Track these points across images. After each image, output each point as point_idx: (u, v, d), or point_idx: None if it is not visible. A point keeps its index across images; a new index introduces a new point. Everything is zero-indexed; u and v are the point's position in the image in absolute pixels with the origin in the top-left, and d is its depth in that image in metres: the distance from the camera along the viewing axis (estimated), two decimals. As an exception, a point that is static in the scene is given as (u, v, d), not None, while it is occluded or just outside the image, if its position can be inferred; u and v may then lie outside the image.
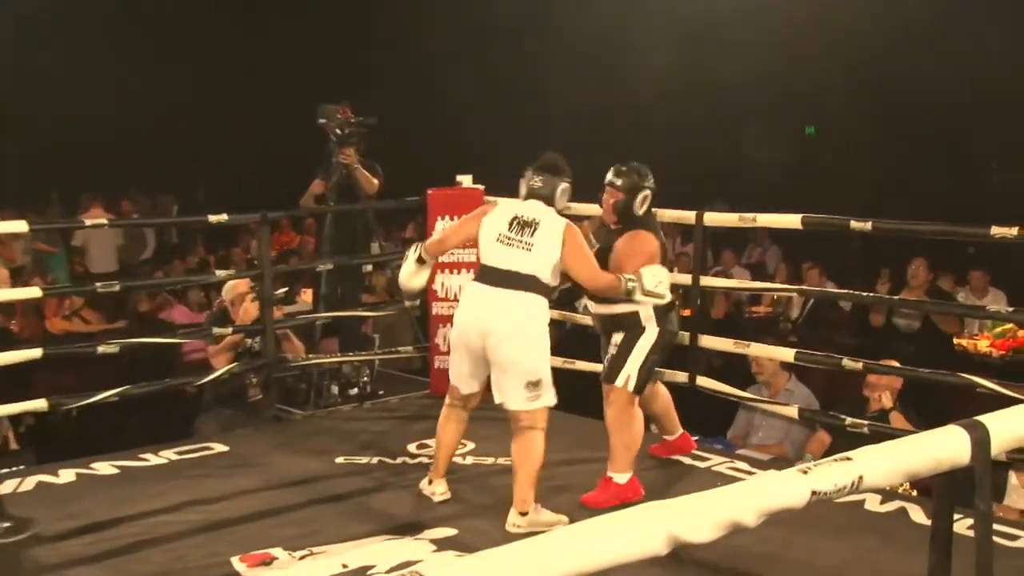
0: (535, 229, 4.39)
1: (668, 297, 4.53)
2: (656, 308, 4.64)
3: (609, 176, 4.72)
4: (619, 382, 4.66)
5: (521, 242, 4.39)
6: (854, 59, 12.59)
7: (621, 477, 4.67)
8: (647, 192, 4.68)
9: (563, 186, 4.49)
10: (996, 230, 4.46)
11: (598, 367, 4.97)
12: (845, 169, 12.90)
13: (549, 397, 4.45)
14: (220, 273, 6.92)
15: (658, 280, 4.46)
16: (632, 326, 4.70)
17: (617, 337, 4.72)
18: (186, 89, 15.26)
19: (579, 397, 5.63)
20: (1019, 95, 11.40)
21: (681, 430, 5.25)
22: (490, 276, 4.44)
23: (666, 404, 5.19)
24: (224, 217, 6.04)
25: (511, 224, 4.43)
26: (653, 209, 4.81)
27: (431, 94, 14.90)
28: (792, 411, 5.41)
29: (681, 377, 5.58)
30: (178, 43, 15.28)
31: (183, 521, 4.51)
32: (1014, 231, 4.40)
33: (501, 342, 4.34)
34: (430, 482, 4.76)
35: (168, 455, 5.41)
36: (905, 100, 12.40)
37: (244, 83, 15.74)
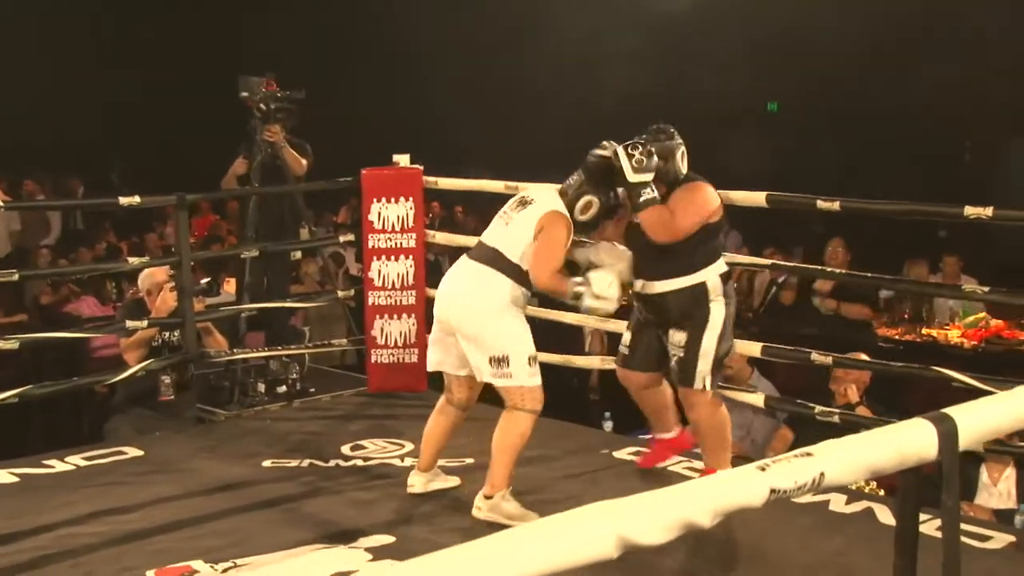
0: (525, 207, 4.51)
1: (614, 305, 4.45)
2: (725, 278, 4.58)
3: (642, 148, 4.50)
4: (697, 384, 4.59)
5: (506, 215, 4.57)
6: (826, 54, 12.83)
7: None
8: (683, 148, 4.61)
9: (574, 179, 4.57)
10: (970, 210, 4.50)
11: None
12: (810, 162, 13.08)
13: (523, 377, 4.41)
14: (133, 261, 6.82)
15: (608, 282, 4.40)
16: (695, 309, 4.56)
17: (678, 336, 4.61)
18: (98, 62, 15.05)
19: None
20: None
21: (679, 427, 5.08)
22: (473, 249, 4.64)
23: (667, 399, 5.02)
24: (136, 200, 5.98)
25: (516, 201, 4.62)
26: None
27: (365, 67, 14.81)
28: (758, 399, 5.45)
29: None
30: (83, 14, 15.07)
31: (92, 533, 4.44)
32: (988, 211, 4.45)
33: (457, 312, 4.47)
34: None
35: (76, 461, 5.34)
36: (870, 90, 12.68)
37: (161, 55, 15.52)
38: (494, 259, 4.46)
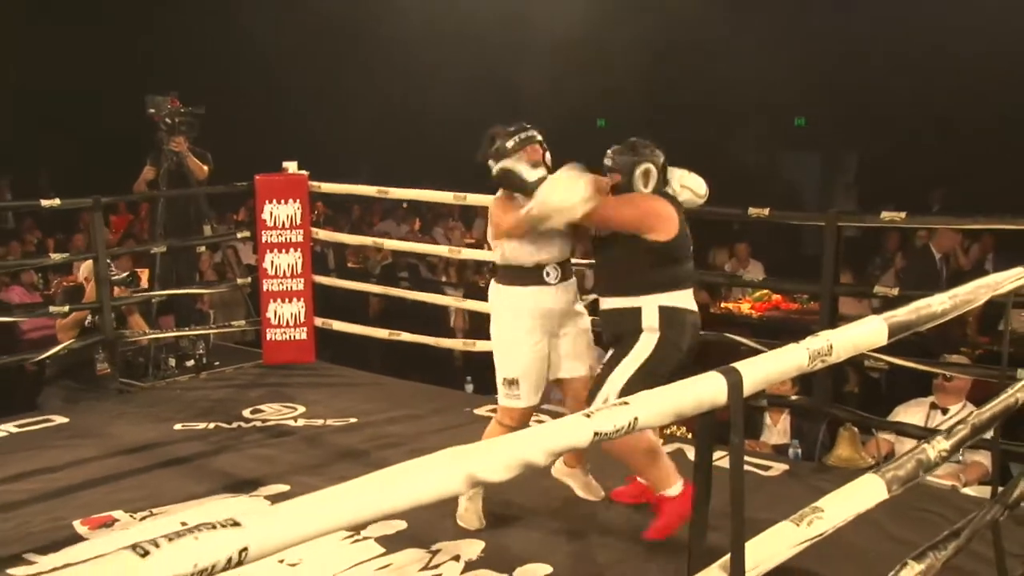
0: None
1: (579, 203, 3.35)
2: (668, 313, 3.54)
3: (605, 161, 3.69)
4: (592, 404, 3.40)
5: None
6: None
7: (673, 490, 3.65)
8: (647, 166, 3.60)
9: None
10: (752, 211, 4.69)
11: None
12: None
13: (501, 396, 3.78)
14: (55, 256, 6.61)
15: (550, 187, 3.40)
16: (629, 330, 3.58)
17: (607, 354, 3.67)
18: (24, 75, 14.35)
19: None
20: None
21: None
22: None
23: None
24: (56, 202, 5.78)
25: None
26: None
27: (259, 84, 14.46)
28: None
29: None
30: (14, 28, 14.32)
31: (24, 490, 4.29)
32: (766, 211, 4.65)
33: None
34: None
35: (8, 428, 5.14)
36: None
37: (79, 70, 14.85)
38: (495, 271, 3.85)
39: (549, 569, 3.47)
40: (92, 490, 4.29)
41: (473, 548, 3.63)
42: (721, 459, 2.04)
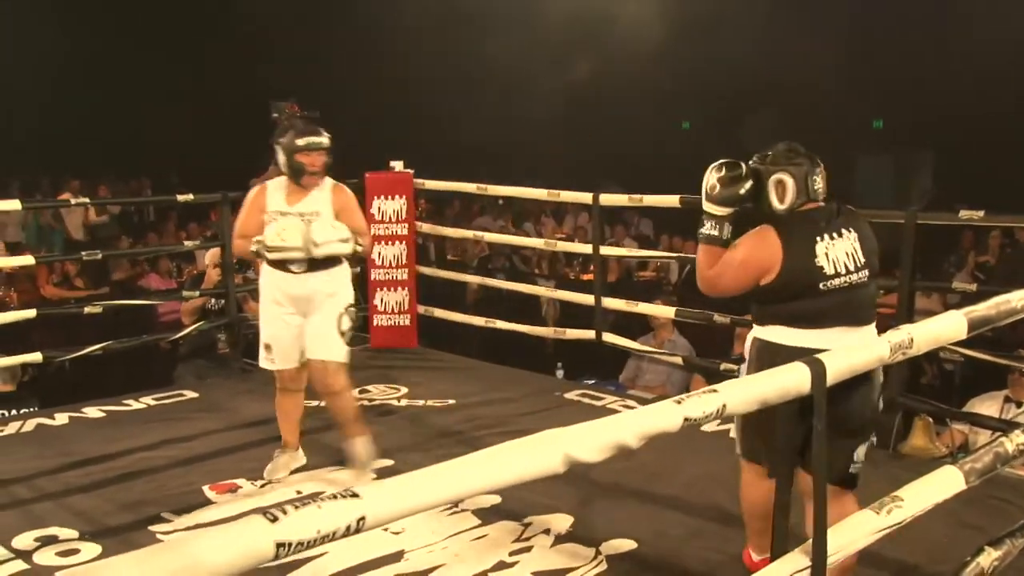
0: None
1: (287, 244, 3.83)
2: (761, 347, 2.83)
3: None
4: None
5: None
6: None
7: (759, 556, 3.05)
8: (780, 176, 2.81)
9: None
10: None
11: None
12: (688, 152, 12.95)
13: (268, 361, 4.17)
14: (187, 243, 6.80)
15: (274, 232, 3.86)
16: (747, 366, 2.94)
17: None
18: (155, 86, 14.83)
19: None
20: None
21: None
22: None
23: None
24: (190, 197, 5.93)
25: None
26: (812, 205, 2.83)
27: (369, 85, 14.61)
28: (678, 359, 5.47)
29: (589, 334, 5.59)
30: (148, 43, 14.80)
31: (161, 456, 4.43)
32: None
33: None
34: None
35: (147, 401, 5.30)
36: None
37: (200, 82, 15.26)
38: None
39: (633, 544, 3.46)
40: (219, 459, 4.41)
41: (563, 523, 3.63)
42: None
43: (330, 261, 3.94)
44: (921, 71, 11.71)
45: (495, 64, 13.44)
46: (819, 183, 2.83)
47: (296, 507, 1.19)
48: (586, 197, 5.58)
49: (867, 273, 2.78)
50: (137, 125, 14.38)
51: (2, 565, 3.36)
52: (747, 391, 1.85)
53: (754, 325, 2.87)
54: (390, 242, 6.30)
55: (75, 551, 3.41)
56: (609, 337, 5.58)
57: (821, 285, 2.71)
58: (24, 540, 3.53)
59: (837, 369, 1.99)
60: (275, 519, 1.17)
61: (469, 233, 7.48)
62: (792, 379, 1.92)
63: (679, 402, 1.69)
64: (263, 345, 4.12)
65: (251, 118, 7.83)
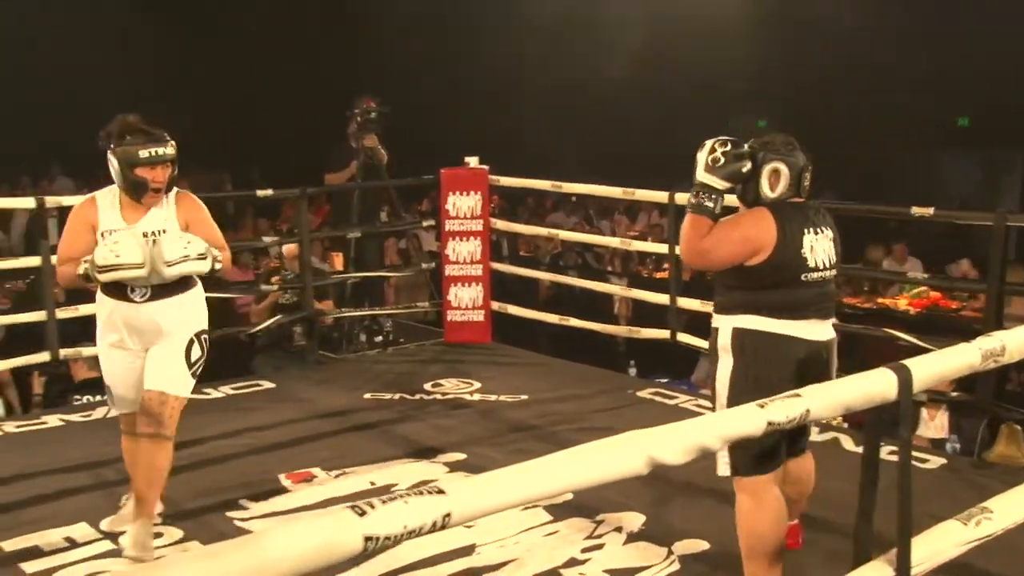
0: None
1: (126, 268, 3.13)
2: (742, 336, 2.83)
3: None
4: (719, 470, 2.92)
5: None
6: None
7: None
8: (775, 165, 2.86)
9: None
10: (916, 210, 4.44)
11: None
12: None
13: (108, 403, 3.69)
14: (266, 239, 6.91)
15: (110, 250, 3.15)
16: (713, 358, 2.96)
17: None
18: (239, 81, 15.09)
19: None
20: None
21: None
22: None
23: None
24: (269, 192, 6.02)
25: None
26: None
27: (443, 84, 14.69)
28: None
29: (663, 334, 5.54)
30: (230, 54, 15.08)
31: (239, 444, 4.53)
32: (930, 211, 4.39)
33: None
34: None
35: (226, 390, 5.42)
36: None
37: (285, 76, 15.46)
38: None
39: (706, 545, 3.42)
40: (294, 448, 4.48)
41: (635, 521, 3.61)
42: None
43: (181, 283, 3.32)
44: (1009, 68, 11.34)
45: (569, 65, 13.44)
46: (807, 180, 2.92)
47: (384, 502, 1.21)
48: (662, 196, 5.53)
49: (835, 272, 2.92)
50: (219, 119, 14.64)
51: (90, 545, 3.47)
52: (830, 397, 1.81)
53: (722, 316, 2.89)
54: (464, 238, 6.33)
55: (157, 534, 3.49)
56: (684, 337, 5.52)
57: (803, 276, 2.80)
58: (111, 522, 3.63)
59: (924, 376, 1.94)
60: (363, 513, 1.19)
61: (543, 230, 7.48)
62: (878, 385, 1.88)
63: (762, 406, 1.66)
64: (106, 386, 3.50)
65: (329, 112, 7.91)
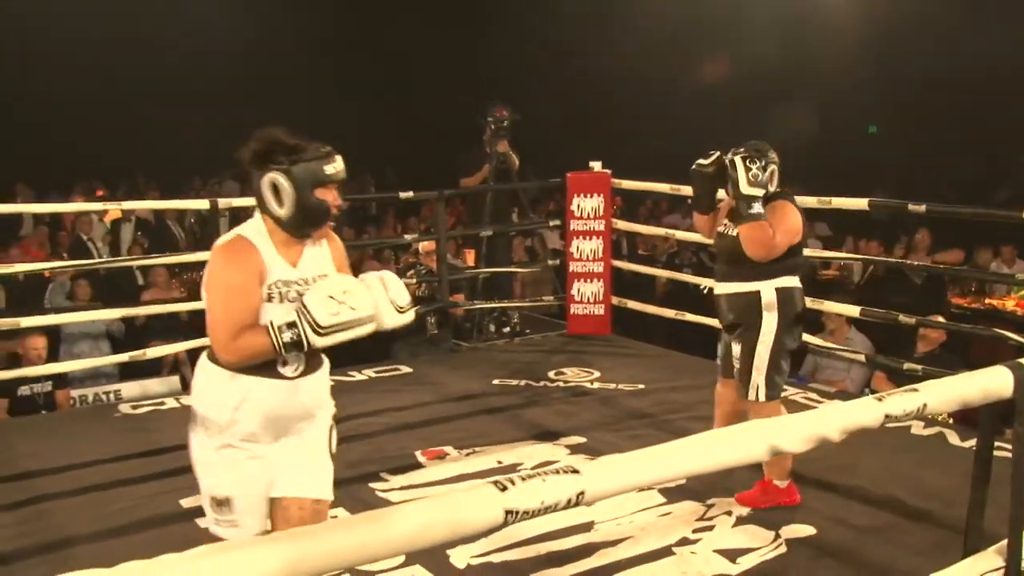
0: None
1: (358, 325, 2.28)
2: (781, 290, 3.45)
3: (753, 167, 3.41)
4: (751, 395, 3.50)
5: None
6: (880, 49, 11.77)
7: (781, 482, 3.56)
8: (774, 167, 3.46)
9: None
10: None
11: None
12: (873, 155, 12.14)
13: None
14: (407, 236, 7.05)
15: (321, 298, 2.23)
16: (749, 317, 3.49)
17: (736, 347, 3.55)
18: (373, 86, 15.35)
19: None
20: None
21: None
22: None
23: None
24: (410, 194, 6.12)
25: None
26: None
27: (570, 91, 14.62)
28: (860, 356, 5.21)
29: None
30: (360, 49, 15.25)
31: (379, 422, 4.63)
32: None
33: None
34: None
35: (368, 373, 5.56)
36: (926, 88, 11.60)
37: (416, 85, 15.65)
38: None
39: (812, 530, 3.33)
40: (429, 427, 4.56)
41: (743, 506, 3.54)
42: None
43: (320, 350, 2.37)
44: None
45: (691, 70, 13.23)
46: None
47: (523, 479, 1.22)
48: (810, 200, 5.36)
49: None
50: (360, 123, 14.94)
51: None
52: (948, 391, 1.74)
53: (760, 281, 3.44)
54: (588, 237, 6.32)
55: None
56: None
57: (801, 247, 3.55)
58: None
59: (1043, 375, 1.84)
60: (504, 488, 1.20)
61: (660, 230, 7.40)
62: (995, 382, 1.79)
63: (880, 399, 1.61)
64: (212, 501, 2.36)
65: (463, 119, 8.00)
